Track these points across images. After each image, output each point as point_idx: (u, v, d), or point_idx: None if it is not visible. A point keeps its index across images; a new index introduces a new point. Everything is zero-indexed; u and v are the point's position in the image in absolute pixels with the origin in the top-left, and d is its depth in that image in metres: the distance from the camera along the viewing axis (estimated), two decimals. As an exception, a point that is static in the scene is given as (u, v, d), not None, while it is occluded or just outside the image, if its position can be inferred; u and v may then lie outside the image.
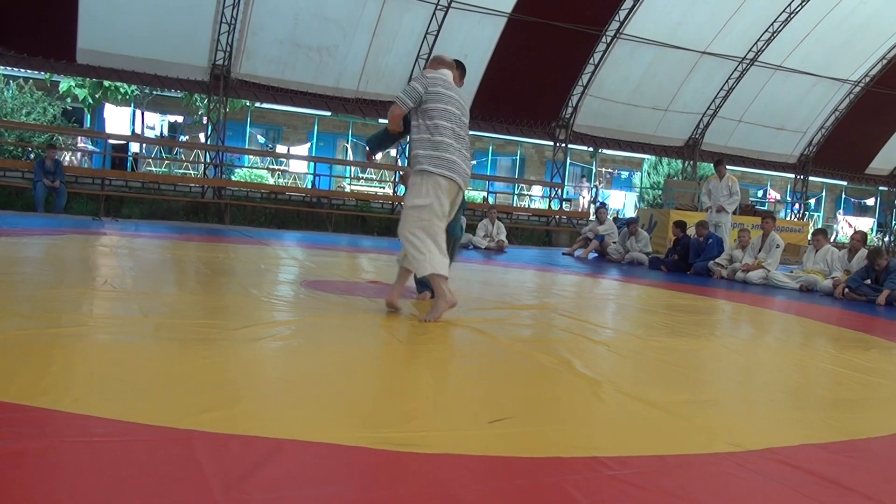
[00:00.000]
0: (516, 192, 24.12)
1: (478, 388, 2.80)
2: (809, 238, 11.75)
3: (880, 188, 25.42)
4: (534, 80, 16.59)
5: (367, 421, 2.26)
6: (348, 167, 23.82)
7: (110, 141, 20.15)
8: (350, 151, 25.18)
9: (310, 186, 20.41)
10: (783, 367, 3.91)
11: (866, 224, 30.07)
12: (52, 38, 13.25)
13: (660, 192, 23.30)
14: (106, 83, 20.28)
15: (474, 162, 27.23)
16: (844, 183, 26.34)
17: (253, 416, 2.20)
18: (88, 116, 22.82)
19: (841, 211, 31.50)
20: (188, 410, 2.16)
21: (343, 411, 2.37)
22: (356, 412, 2.37)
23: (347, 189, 22.12)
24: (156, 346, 3.04)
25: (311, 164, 21.40)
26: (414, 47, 15.20)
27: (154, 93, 21.67)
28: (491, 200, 20.14)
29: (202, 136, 18.28)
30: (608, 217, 13.47)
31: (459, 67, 4.57)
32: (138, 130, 22.37)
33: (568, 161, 19.36)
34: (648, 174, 26.73)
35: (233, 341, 3.20)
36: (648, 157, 25.54)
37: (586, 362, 3.46)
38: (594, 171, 28.70)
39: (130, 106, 22.50)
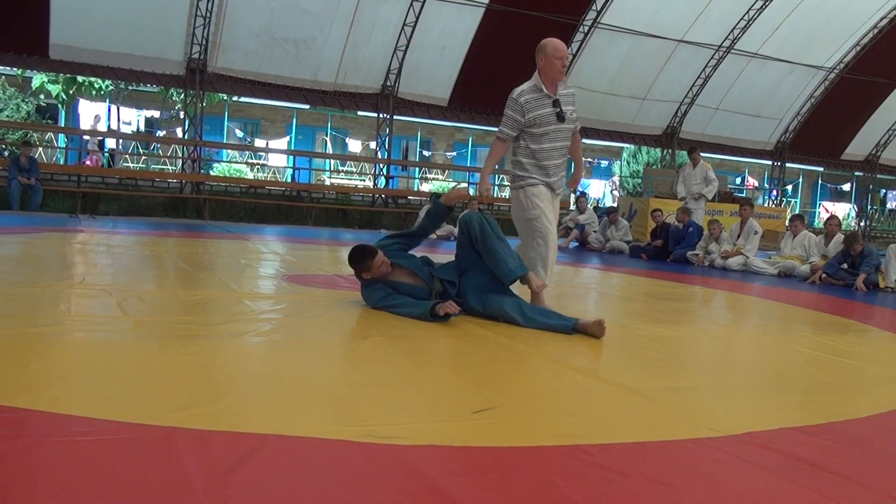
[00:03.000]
0: (497, 182, 24.12)
1: (460, 380, 2.81)
2: (787, 224, 11.86)
3: (856, 173, 25.71)
4: (512, 70, 16.45)
5: (351, 414, 2.26)
6: (328, 160, 23.73)
7: (85, 137, 19.89)
8: (329, 144, 25.05)
9: (289, 180, 20.32)
10: (762, 353, 3.95)
11: (843, 209, 30.44)
12: (23, 34, 13.05)
13: (639, 180, 23.42)
14: (80, 78, 20.03)
15: (452, 154, 27.21)
16: (821, 169, 26.62)
17: (235, 412, 2.19)
18: (63, 113, 22.53)
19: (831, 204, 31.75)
20: (169, 407, 2.15)
21: (326, 405, 2.37)
22: (339, 406, 2.37)
23: (327, 182, 22.04)
24: (135, 343, 3.02)
25: (291, 157, 21.29)
26: (392, 39, 15.14)
27: (129, 88, 21.44)
28: (472, 191, 20.13)
29: (179, 131, 18.11)
30: (588, 206, 13.53)
31: None
32: (114, 126, 22.11)
33: (547, 151, 19.34)
34: (628, 163, 26.86)
35: (214, 337, 3.18)
36: (627, 146, 25.64)
37: (568, 351, 3.48)
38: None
39: (105, 101, 22.23)
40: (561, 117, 4.35)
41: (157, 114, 23.41)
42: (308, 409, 2.31)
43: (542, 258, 4.38)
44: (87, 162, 19.42)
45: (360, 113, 19.72)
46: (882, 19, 18.02)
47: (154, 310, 3.79)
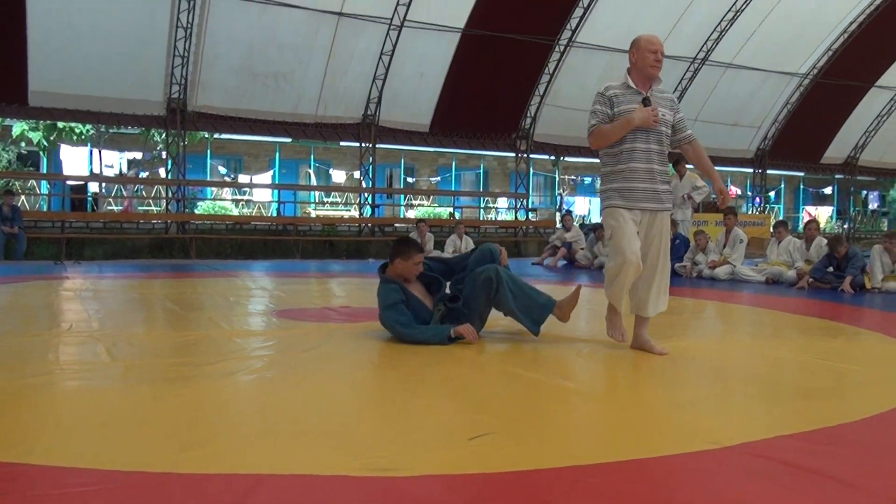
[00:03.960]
0: (482, 205, 24.24)
1: (455, 407, 2.80)
2: (772, 230, 11.92)
3: (836, 176, 25.96)
4: (491, 92, 16.72)
5: (347, 448, 2.24)
6: (312, 192, 23.76)
7: (69, 182, 19.84)
8: (313, 176, 25.10)
9: (275, 214, 20.31)
10: (755, 361, 3.96)
11: (826, 213, 30.70)
12: (1, 82, 13.05)
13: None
14: (60, 124, 20.02)
15: (436, 179, 27.28)
16: (802, 174, 26.86)
17: (230, 453, 2.17)
18: (45, 159, 22.49)
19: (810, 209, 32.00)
20: (163, 452, 2.13)
21: (321, 441, 2.35)
22: (334, 440, 2.35)
23: (313, 214, 22.04)
24: (126, 388, 2.99)
25: (275, 191, 21.31)
26: (370, 68, 15.25)
27: (110, 131, 21.44)
28: (458, 216, 20.20)
29: (162, 171, 18.09)
30: (574, 224, 13.57)
31: None
32: (96, 170, 22.07)
33: (531, 171, 19.51)
34: (611, 178, 26.95)
35: (205, 377, 3.16)
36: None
37: (561, 371, 3.48)
38: (557, 179, 28.93)
39: (87, 145, 22.22)
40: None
41: (139, 155, 23.39)
42: (303, 445, 2.29)
43: (611, 277, 3.93)
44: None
45: (342, 143, 19.80)
46: (852, 23, 18.33)
47: (144, 353, 3.76)
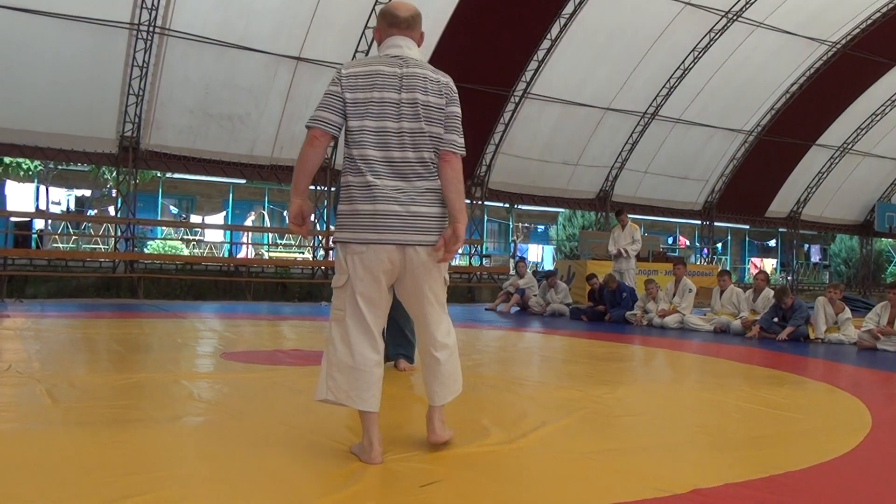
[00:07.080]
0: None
1: (405, 452, 2.76)
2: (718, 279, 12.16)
3: (780, 230, 26.74)
4: (447, 140, 16.89)
5: (297, 493, 2.20)
6: (266, 234, 23.56)
7: (13, 219, 19.33)
8: (267, 218, 24.92)
9: (226, 255, 20.03)
10: (703, 409, 4.01)
11: (771, 265, 31.58)
12: (-53, 116, 12.74)
13: (576, 243, 23.88)
14: (6, 160, 19.57)
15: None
16: (747, 227, 27.62)
17: (173, 501, 2.10)
18: (-11, 194, 21.91)
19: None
20: (101, 500, 2.05)
21: (270, 486, 2.30)
22: (285, 485, 2.30)
23: (266, 256, 21.82)
24: (66, 432, 2.89)
25: (228, 232, 21.07)
26: (327, 112, 15.31)
27: (59, 167, 21.03)
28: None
29: (112, 210, 17.76)
30: (528, 271, 13.69)
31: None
32: (43, 207, 21.57)
33: (485, 218, 19.68)
34: (564, 227, 27.40)
35: (150, 421, 3.07)
36: (563, 210, 26.20)
37: (512, 417, 3.47)
38: (511, 226, 29.23)
39: (34, 182, 21.73)
40: None
41: (88, 193, 22.94)
42: (251, 491, 2.23)
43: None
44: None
45: (297, 186, 19.70)
46: (792, 85, 19.14)
47: (85, 396, 3.64)
